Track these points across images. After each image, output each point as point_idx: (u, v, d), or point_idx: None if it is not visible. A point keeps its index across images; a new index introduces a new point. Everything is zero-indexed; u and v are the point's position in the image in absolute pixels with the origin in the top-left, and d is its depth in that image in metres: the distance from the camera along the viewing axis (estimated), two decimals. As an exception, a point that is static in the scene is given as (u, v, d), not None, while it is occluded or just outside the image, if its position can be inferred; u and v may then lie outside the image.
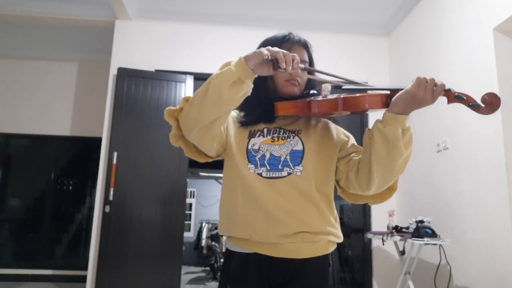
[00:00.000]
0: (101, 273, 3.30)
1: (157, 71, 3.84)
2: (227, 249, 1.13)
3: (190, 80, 3.81)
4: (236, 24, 4.02)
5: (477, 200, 2.64)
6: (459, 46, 2.92)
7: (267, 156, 1.07)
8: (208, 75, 0.98)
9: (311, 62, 1.18)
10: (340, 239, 1.10)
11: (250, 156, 1.08)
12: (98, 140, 3.72)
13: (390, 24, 4.05)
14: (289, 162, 1.06)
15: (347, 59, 4.06)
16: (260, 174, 1.05)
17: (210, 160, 1.17)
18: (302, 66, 0.97)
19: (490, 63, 2.56)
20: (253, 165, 1.06)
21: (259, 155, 1.07)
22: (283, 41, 1.13)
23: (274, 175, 1.04)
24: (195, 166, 8.00)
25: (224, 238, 5.41)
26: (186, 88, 3.78)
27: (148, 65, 3.83)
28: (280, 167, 1.05)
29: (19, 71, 5.00)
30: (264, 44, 1.16)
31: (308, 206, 1.04)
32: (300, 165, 1.06)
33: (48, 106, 4.94)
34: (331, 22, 4.07)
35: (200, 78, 3.83)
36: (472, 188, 2.70)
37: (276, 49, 0.91)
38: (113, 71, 3.77)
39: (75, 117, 4.96)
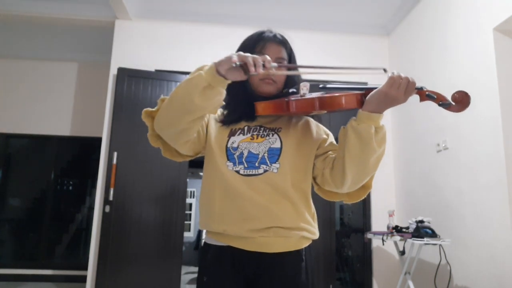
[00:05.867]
0: (101, 273, 3.30)
1: (157, 71, 3.84)
2: (204, 243, 1.14)
3: (190, 80, 3.81)
4: (237, 24, 4.01)
5: (477, 200, 2.64)
6: (459, 46, 2.92)
7: (245, 153, 1.08)
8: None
9: (290, 58, 1.17)
10: (315, 235, 1.11)
11: (229, 154, 1.09)
12: (98, 140, 3.72)
13: (390, 24, 4.05)
14: (266, 160, 1.07)
15: (347, 59, 4.05)
16: (238, 172, 1.06)
17: (188, 159, 1.18)
18: (276, 64, 0.97)
19: (490, 63, 2.56)
20: (231, 163, 1.08)
21: (237, 153, 1.09)
22: (257, 40, 1.14)
23: (250, 173, 1.06)
24: (195, 166, 7.97)
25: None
26: (186, 88, 3.78)
27: (148, 65, 3.83)
28: (256, 164, 1.07)
29: (19, 71, 5.00)
30: (242, 44, 1.18)
31: (282, 202, 1.05)
32: (277, 162, 1.07)
33: (48, 106, 4.94)
34: (330, 22, 4.07)
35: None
36: (472, 188, 2.70)
37: (245, 54, 0.91)
38: (113, 71, 3.77)
39: (75, 117, 4.96)
